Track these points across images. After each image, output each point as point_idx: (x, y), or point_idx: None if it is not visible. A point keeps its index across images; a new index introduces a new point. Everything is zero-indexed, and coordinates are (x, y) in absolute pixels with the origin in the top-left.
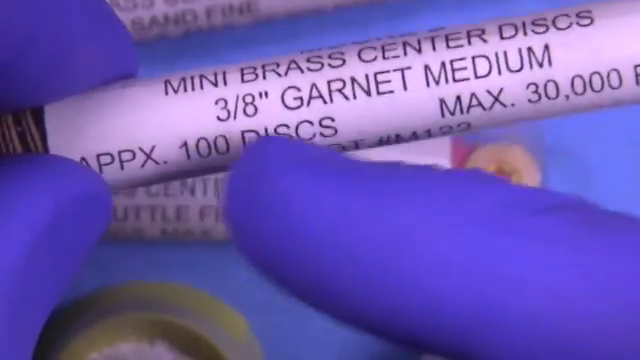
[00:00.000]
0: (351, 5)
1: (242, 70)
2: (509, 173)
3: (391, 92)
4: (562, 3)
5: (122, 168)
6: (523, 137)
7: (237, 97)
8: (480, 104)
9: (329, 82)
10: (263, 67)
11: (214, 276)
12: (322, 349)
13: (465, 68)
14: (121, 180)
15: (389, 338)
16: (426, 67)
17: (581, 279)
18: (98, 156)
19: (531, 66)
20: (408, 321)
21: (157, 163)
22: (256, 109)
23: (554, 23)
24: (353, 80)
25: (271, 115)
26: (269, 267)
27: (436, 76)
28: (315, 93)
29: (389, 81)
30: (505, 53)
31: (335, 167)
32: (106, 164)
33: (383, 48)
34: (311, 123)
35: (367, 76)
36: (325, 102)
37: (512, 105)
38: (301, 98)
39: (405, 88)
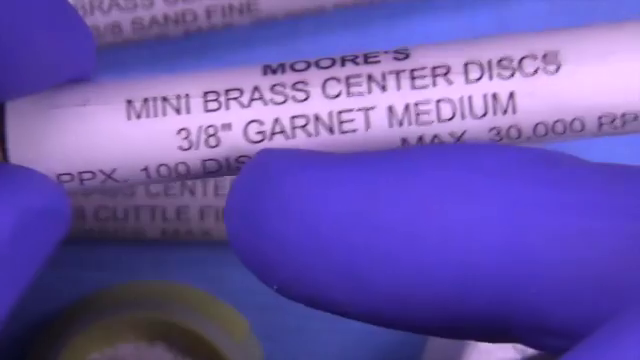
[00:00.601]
0: (351, 5)
1: (205, 95)
2: None
3: (354, 131)
4: (561, 3)
5: (82, 184)
6: None
7: (200, 128)
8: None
9: (292, 118)
10: (226, 93)
11: (214, 276)
12: (322, 349)
13: (428, 112)
14: (80, 190)
15: (418, 325)
16: (390, 108)
17: (613, 217)
18: (58, 175)
19: (495, 113)
20: (443, 294)
21: (117, 181)
22: (218, 141)
23: (520, 66)
24: (317, 117)
25: (233, 147)
26: (280, 271)
27: (399, 118)
28: (278, 128)
29: (352, 120)
30: (470, 98)
31: (339, 158)
32: (66, 181)
33: (348, 81)
34: None
35: (331, 114)
36: (287, 138)
37: None
38: (264, 132)
39: (368, 128)
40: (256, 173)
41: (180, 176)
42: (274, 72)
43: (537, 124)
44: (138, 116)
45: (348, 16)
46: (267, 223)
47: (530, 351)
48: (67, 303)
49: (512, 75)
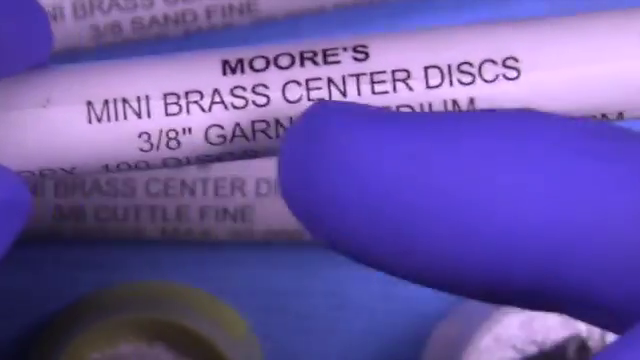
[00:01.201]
0: (351, 5)
1: (165, 97)
2: None
3: None
4: (561, 3)
5: (41, 177)
6: None
7: (160, 132)
8: None
9: (253, 122)
10: (187, 96)
11: (214, 276)
12: (322, 349)
13: None
14: (38, 180)
15: (462, 287)
16: None
17: None
18: (18, 172)
19: None
20: (488, 259)
21: (77, 175)
22: (179, 143)
23: (480, 72)
24: (277, 122)
25: (194, 149)
26: (328, 224)
27: None
28: (238, 132)
29: None
30: (430, 104)
31: (392, 116)
32: (27, 176)
33: (307, 85)
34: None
35: (291, 119)
36: (248, 140)
37: None
38: (224, 136)
39: None
40: (311, 125)
41: (139, 169)
42: (233, 71)
43: None
44: (99, 119)
45: (348, 16)
46: (320, 176)
47: (530, 351)
48: (67, 303)
49: (472, 81)
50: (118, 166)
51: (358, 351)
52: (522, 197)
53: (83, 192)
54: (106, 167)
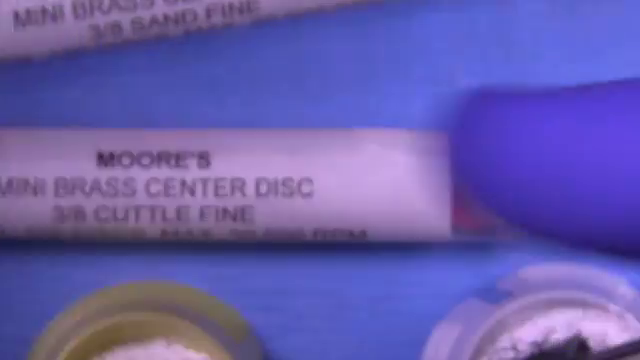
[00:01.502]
0: (351, 5)
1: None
2: None
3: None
4: (561, 3)
5: None
6: None
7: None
8: None
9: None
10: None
11: (214, 276)
12: (322, 349)
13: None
14: None
15: (620, 250)
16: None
17: None
18: None
19: None
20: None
21: None
22: None
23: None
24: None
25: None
26: (499, 195)
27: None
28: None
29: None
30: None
31: (547, 95)
32: None
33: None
34: None
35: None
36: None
37: None
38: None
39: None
40: (480, 107)
41: None
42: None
43: None
44: None
45: (348, 16)
46: (492, 150)
47: (530, 351)
48: (67, 303)
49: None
50: None
51: (358, 351)
52: None
53: (83, 192)
54: None
